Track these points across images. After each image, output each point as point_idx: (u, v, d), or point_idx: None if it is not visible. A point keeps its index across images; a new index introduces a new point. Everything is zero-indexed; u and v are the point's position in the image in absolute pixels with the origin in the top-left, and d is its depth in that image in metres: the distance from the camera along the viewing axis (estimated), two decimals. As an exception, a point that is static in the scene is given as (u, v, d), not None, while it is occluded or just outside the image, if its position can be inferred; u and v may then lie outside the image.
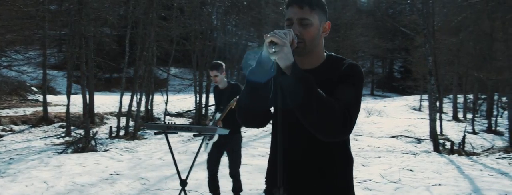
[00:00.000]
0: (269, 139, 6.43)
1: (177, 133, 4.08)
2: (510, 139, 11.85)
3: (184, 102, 21.05)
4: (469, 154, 10.05)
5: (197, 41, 16.68)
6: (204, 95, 18.61)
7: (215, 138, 4.61)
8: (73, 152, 8.54)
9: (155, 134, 3.92)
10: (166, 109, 16.67)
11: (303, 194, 1.67)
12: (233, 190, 4.89)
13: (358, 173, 6.85)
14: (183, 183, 4.03)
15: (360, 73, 1.64)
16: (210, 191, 4.92)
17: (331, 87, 1.54)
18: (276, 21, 27.85)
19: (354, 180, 1.79)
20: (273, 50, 1.43)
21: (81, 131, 11.37)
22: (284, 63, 1.45)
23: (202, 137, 4.84)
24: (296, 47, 1.54)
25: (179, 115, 19.01)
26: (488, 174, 6.95)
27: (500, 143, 13.25)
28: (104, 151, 8.81)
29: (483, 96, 23.92)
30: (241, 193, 5.05)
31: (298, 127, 1.59)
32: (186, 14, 18.07)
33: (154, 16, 12.66)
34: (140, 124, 13.24)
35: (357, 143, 11.68)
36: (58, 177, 6.25)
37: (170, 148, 3.96)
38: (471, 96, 24.57)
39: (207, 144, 4.69)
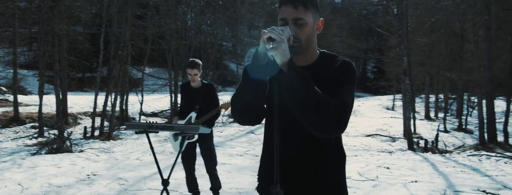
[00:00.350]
0: (246, 139, 6.50)
1: (157, 132, 4.04)
2: (480, 137, 12.21)
3: (159, 101, 20.85)
4: (442, 152, 10.31)
5: (172, 40, 16.54)
6: (179, 95, 18.48)
7: (195, 137, 4.58)
8: (47, 153, 8.34)
9: (136, 133, 3.87)
10: (141, 109, 16.46)
11: (298, 190, 1.68)
12: (212, 188, 4.86)
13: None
14: (165, 182, 3.97)
15: (353, 70, 1.66)
16: (189, 191, 4.90)
17: (325, 84, 1.56)
18: (252, 21, 27.91)
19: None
20: (271, 46, 1.44)
21: (55, 132, 11.11)
22: (281, 60, 1.46)
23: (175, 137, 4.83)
24: (292, 47, 1.55)
25: (154, 114, 18.81)
26: (461, 171, 7.15)
27: (470, 141, 13.63)
28: (79, 152, 8.64)
29: (453, 96, 24.58)
30: (220, 192, 5.05)
31: (292, 124, 1.60)
32: (162, 13, 17.89)
33: (129, 14, 12.48)
34: (116, 124, 13.05)
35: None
36: (33, 179, 6.10)
37: (151, 147, 3.90)
38: (442, 96, 25.18)
39: (181, 143, 4.64)
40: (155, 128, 3.84)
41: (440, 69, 20.63)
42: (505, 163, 8.18)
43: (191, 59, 4.71)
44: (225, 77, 36.17)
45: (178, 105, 18.98)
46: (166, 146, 9.81)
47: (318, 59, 1.74)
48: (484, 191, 5.50)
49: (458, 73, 16.35)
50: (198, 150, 4.78)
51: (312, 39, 1.70)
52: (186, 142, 4.57)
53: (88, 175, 6.50)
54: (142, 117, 16.79)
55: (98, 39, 13.61)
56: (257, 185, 1.93)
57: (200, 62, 4.69)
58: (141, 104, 16.17)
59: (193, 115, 4.61)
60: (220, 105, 4.61)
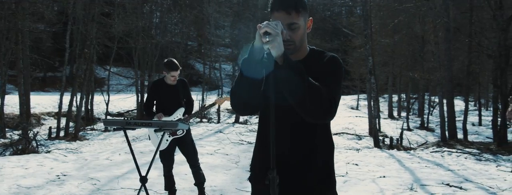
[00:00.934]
0: (215, 138, 6.51)
1: (135, 129, 4.05)
2: (441, 134, 12.71)
3: (124, 101, 20.57)
4: (406, 149, 10.70)
5: (140, 39, 16.33)
6: (146, 95, 18.28)
7: (181, 133, 4.60)
8: (12, 154, 8.10)
9: (114, 130, 3.86)
10: (107, 109, 16.16)
11: (291, 176, 1.76)
12: (196, 183, 4.87)
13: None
14: (143, 179, 3.96)
15: (341, 64, 1.78)
16: (166, 189, 4.90)
17: (315, 76, 1.65)
18: (218, 21, 27.81)
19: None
20: (267, 39, 1.52)
21: (19, 132, 10.76)
22: (276, 52, 1.55)
23: (160, 134, 4.81)
24: (287, 49, 1.64)
25: (120, 115, 18.51)
26: (426, 166, 7.46)
27: (432, 138, 14.17)
28: (46, 152, 8.43)
29: (415, 96, 25.47)
30: (193, 189, 5.08)
31: (287, 113, 1.69)
32: (128, 11, 17.64)
33: (96, 12, 12.25)
34: (81, 125, 12.77)
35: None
36: (0, 181, 5.92)
37: (129, 144, 3.90)
38: (404, 95, 26.00)
39: (167, 140, 4.65)
40: (133, 124, 3.84)
41: (402, 69, 21.32)
42: (465, 158, 8.59)
43: (169, 60, 4.67)
44: (191, 77, 35.96)
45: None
46: (136, 145, 9.71)
47: (308, 54, 1.84)
48: (448, 184, 5.78)
49: (420, 73, 16.95)
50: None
51: (304, 38, 1.81)
52: (172, 138, 4.59)
53: (57, 175, 6.37)
54: (108, 117, 16.46)
55: (62, 37, 13.28)
56: (249, 176, 2.00)
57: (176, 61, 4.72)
58: (107, 104, 15.86)
59: (181, 110, 4.66)
60: (215, 100, 4.74)
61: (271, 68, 1.59)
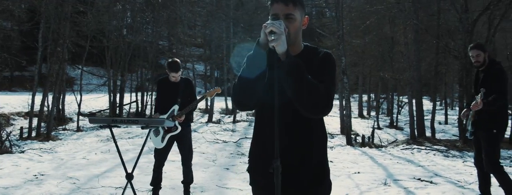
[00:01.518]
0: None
1: (120, 127, 4.10)
2: (410, 132, 13.17)
3: (96, 101, 20.30)
4: (378, 146, 11.04)
5: (114, 38, 16.15)
6: (118, 95, 18.09)
7: (177, 130, 4.68)
8: (-16, 155, 7.93)
9: (101, 127, 3.91)
10: (79, 109, 15.91)
11: (289, 166, 1.88)
12: (184, 181, 4.94)
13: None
14: (130, 176, 4.02)
15: (334, 60, 1.93)
16: (152, 184, 4.92)
17: (310, 71, 1.79)
18: (191, 20, 27.72)
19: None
20: (272, 38, 1.65)
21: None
22: (280, 49, 1.68)
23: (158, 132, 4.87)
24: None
25: (92, 114, 18.24)
26: (397, 162, 7.76)
27: (401, 136, 14.65)
28: (20, 153, 8.29)
29: (383, 96, 26.15)
30: (174, 187, 5.16)
31: (285, 108, 1.81)
32: (101, 10, 17.41)
33: (70, 10, 12.06)
34: (54, 125, 12.56)
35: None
36: (-25, 181, 5.83)
37: (115, 141, 3.95)
38: (373, 95, 26.67)
39: (163, 137, 4.72)
40: (120, 122, 3.91)
41: (372, 69, 21.87)
42: (434, 154, 8.97)
43: (172, 60, 4.76)
44: (159, 77, 35.73)
45: (123, 104, 18.56)
46: (111, 145, 9.66)
47: (303, 50, 1.98)
48: (419, 179, 6.06)
49: (390, 73, 17.45)
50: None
51: (299, 33, 1.94)
52: (169, 135, 4.67)
53: (35, 175, 6.31)
54: (80, 117, 16.21)
55: (31, 35, 13.00)
56: (247, 167, 2.13)
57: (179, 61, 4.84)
58: (80, 103, 15.62)
59: (176, 107, 4.72)
60: (206, 92, 4.84)
61: (276, 64, 1.72)
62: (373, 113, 24.54)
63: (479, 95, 3.96)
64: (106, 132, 13.00)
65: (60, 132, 13.04)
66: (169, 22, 23.16)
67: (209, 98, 4.85)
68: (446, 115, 20.14)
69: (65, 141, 11.05)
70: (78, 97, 16.14)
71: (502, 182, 4.16)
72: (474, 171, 6.62)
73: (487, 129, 4.21)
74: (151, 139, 4.81)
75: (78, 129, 14.13)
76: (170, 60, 4.80)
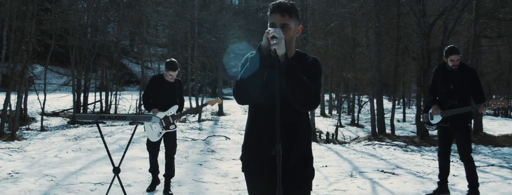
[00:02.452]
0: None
1: (105, 123, 4.30)
2: (372, 129, 13.81)
3: (58, 101, 19.93)
4: (341, 143, 11.56)
5: (79, 36, 15.95)
6: (82, 94, 17.85)
7: (171, 127, 4.97)
8: (-50, 154, 7.78)
9: (90, 123, 4.09)
10: (43, 108, 15.60)
11: (283, 153, 2.17)
12: (165, 175, 5.21)
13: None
14: (117, 170, 4.22)
15: (320, 65, 2.28)
16: (150, 171, 5.39)
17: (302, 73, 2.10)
18: (156, 20, 27.57)
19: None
20: (274, 42, 1.95)
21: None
22: (280, 52, 1.97)
23: (155, 126, 5.11)
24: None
25: (55, 114, 17.94)
26: (361, 157, 8.24)
27: (362, 133, 15.30)
28: (-12, 152, 8.18)
29: (344, 95, 27.01)
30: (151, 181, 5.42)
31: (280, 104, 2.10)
32: (65, 8, 17.13)
33: (35, 7, 11.88)
34: (18, 124, 12.34)
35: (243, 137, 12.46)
36: None
37: (102, 137, 4.13)
38: (334, 95, 27.47)
39: (160, 132, 5.01)
40: (107, 118, 4.11)
41: (334, 70, 22.57)
42: (394, 149, 9.54)
43: (170, 60, 5.07)
44: (123, 77, 35.27)
45: (88, 104, 18.30)
46: (82, 143, 9.65)
47: (295, 55, 2.29)
48: (382, 171, 6.53)
49: (352, 73, 18.13)
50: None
51: (293, 40, 2.25)
52: (165, 131, 5.00)
53: (9, 173, 6.31)
54: (44, 117, 15.92)
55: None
56: (241, 155, 2.42)
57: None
58: (44, 103, 15.33)
59: (175, 107, 5.08)
60: (208, 101, 5.26)
61: (276, 64, 2.02)
62: (334, 112, 25.29)
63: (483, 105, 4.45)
64: (73, 131, 12.90)
65: (24, 131, 12.82)
66: (133, 21, 23.00)
67: (212, 106, 5.21)
68: (404, 113, 21.11)
69: (31, 140, 10.90)
70: (41, 96, 15.85)
71: (471, 171, 4.68)
72: (431, 163, 7.20)
73: (465, 124, 4.71)
74: (147, 132, 5.10)
75: (42, 129, 13.90)
76: (168, 60, 5.08)
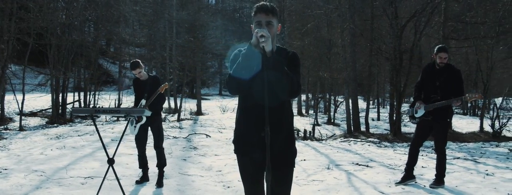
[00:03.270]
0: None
1: (99, 117, 4.56)
2: (347, 127, 14.32)
3: (35, 101, 19.82)
4: (318, 140, 11.99)
5: (59, 35, 15.93)
6: (60, 94, 17.80)
7: (143, 120, 5.21)
8: None
9: (87, 117, 4.37)
10: (22, 108, 15.51)
11: (271, 135, 2.52)
12: (158, 165, 5.52)
13: (229, 164, 7.93)
14: (111, 161, 4.49)
15: (299, 58, 2.67)
16: (140, 167, 5.72)
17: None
18: (134, 20, 27.57)
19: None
20: (263, 40, 2.30)
21: None
22: (268, 49, 2.33)
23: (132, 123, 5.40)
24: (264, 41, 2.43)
25: (33, 114, 17.83)
26: (337, 151, 8.67)
27: (338, 131, 15.79)
28: (-29, 150, 8.26)
29: (320, 95, 27.62)
30: (131, 176, 5.69)
31: (268, 94, 2.45)
32: (44, 6, 17.05)
33: (15, 6, 11.90)
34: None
35: (224, 135, 12.73)
36: None
37: (97, 130, 4.40)
38: (310, 95, 28.02)
39: (135, 127, 5.27)
40: (102, 112, 4.39)
41: (310, 70, 23.09)
42: (369, 145, 10.01)
43: (132, 61, 5.50)
44: (101, 77, 35.02)
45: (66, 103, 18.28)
46: (65, 141, 9.80)
47: (277, 50, 2.65)
48: (357, 164, 6.96)
49: (328, 73, 18.64)
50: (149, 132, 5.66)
51: (275, 37, 2.61)
52: (139, 124, 5.23)
53: (-2, 169, 6.47)
54: (23, 117, 15.83)
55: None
56: (233, 139, 2.76)
57: (139, 61, 5.50)
58: (22, 102, 15.26)
59: (143, 101, 5.43)
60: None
61: (257, 61, 2.37)
62: (311, 111, 25.83)
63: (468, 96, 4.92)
64: (53, 130, 12.97)
65: (2, 131, 12.80)
66: (111, 20, 23.00)
67: (161, 92, 5.46)
68: (378, 112, 21.82)
69: (12, 140, 10.94)
70: (18, 96, 15.76)
71: (442, 162, 5.23)
72: (403, 157, 7.68)
73: (445, 119, 5.22)
74: (129, 129, 5.39)
75: (21, 129, 13.89)
76: (132, 61, 5.52)
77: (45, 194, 5.13)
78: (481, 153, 8.68)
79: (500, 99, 27.31)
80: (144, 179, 5.72)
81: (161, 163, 5.58)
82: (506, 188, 5.19)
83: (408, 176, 5.39)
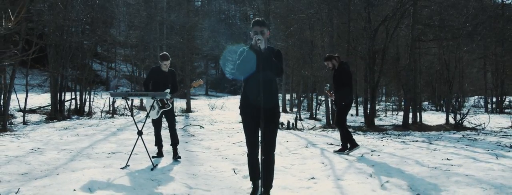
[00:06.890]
0: (140, 124, 7.92)
1: (129, 100, 5.88)
2: (326, 120, 15.80)
3: (32, 99, 20.87)
4: (300, 130, 13.44)
5: (55, 36, 17.04)
6: (58, 93, 18.90)
7: (169, 106, 6.59)
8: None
9: (123, 98, 5.74)
10: (25, 106, 16.63)
11: (264, 99, 3.92)
12: (172, 143, 6.83)
13: (224, 145, 9.31)
14: (140, 133, 5.83)
15: (281, 53, 4.10)
16: (156, 144, 7.00)
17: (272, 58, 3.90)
18: (128, 22, 28.67)
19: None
20: (259, 42, 3.73)
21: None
22: (262, 47, 3.76)
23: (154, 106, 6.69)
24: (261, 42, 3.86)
25: (32, 111, 18.91)
26: (315, 136, 10.12)
27: (319, 125, 17.28)
28: (-3, 136, 9.43)
29: (304, 95, 29.18)
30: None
31: (263, 74, 3.86)
32: (43, 7, 18.17)
33: (25, 6, 13.01)
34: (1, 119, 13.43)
35: (215, 127, 14.08)
36: (-14, 151, 7.14)
37: (131, 109, 5.74)
38: (295, 95, 29.53)
39: (158, 112, 6.62)
40: (134, 95, 5.76)
41: (294, 69, 24.61)
42: (343, 133, 11.48)
43: (163, 53, 6.80)
44: (87, 77, 35.84)
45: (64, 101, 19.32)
46: (77, 130, 11.00)
47: (268, 48, 4.06)
48: (331, 144, 8.42)
49: (310, 71, 20.15)
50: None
51: (266, 39, 4.03)
52: (161, 110, 6.58)
53: (32, 149, 7.60)
54: (22, 113, 16.91)
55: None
56: (239, 105, 4.18)
57: (167, 53, 6.86)
58: (26, 99, 16.40)
59: (168, 91, 6.62)
60: (191, 83, 6.79)
61: (260, 54, 3.80)
62: (295, 109, 27.35)
63: (328, 87, 6.78)
64: (58, 124, 14.14)
65: (11, 125, 13.90)
66: (106, 22, 24.11)
67: (195, 87, 6.81)
68: (357, 108, 23.51)
69: (22, 132, 12.10)
70: (19, 95, 16.93)
71: (342, 134, 7.18)
72: (370, 141, 9.15)
73: (339, 103, 7.15)
74: (150, 113, 6.70)
75: (25, 123, 15.02)
76: (161, 53, 6.83)
77: (80, 163, 6.40)
78: (438, 138, 10.20)
79: (476, 97, 29.40)
80: (159, 154, 6.98)
81: (175, 141, 6.87)
82: (443, 156, 6.67)
83: (353, 146, 7.07)
